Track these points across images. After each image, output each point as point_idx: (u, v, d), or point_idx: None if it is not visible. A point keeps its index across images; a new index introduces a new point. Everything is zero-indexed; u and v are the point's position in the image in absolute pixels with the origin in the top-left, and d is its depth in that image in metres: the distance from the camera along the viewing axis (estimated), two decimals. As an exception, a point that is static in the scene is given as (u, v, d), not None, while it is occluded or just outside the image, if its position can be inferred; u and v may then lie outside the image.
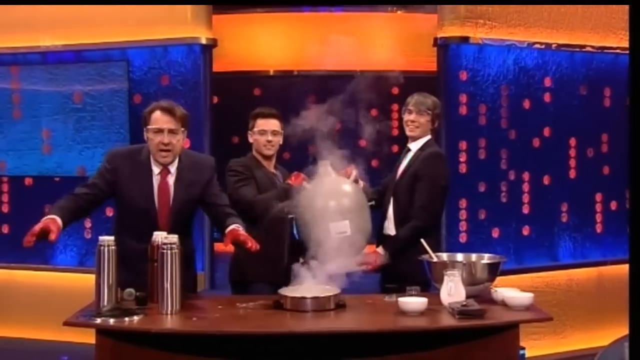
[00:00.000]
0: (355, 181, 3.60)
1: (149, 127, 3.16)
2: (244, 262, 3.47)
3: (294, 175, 3.54)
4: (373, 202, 3.57)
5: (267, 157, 3.61)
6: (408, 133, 3.64)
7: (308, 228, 3.40)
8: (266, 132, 3.57)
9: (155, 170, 3.19)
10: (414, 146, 3.61)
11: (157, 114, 3.15)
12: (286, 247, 3.54)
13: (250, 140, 3.64)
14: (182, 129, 3.18)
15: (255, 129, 3.60)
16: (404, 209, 3.50)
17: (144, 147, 3.23)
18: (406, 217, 3.49)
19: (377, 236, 3.65)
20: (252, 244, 2.99)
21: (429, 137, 3.64)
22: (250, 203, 3.46)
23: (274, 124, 3.59)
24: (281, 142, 3.65)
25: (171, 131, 3.13)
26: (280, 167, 3.71)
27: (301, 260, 3.52)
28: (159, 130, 3.13)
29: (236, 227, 3.10)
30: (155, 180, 3.18)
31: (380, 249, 3.48)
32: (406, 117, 3.66)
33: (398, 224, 3.51)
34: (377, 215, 3.66)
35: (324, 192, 3.44)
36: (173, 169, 3.21)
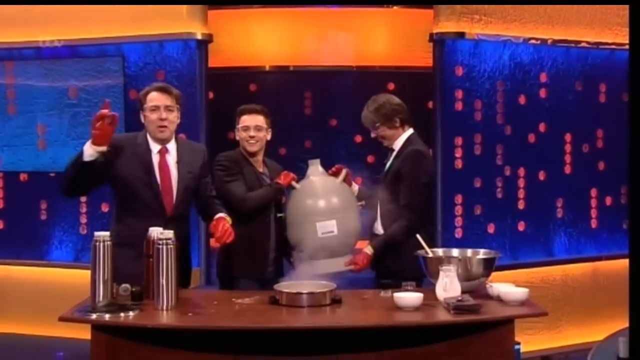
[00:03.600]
0: (349, 183, 3.59)
1: (146, 105, 3.28)
2: (230, 258, 3.48)
3: (283, 174, 3.54)
4: (363, 202, 3.56)
5: (253, 154, 3.60)
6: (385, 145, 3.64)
7: (296, 227, 3.41)
8: (249, 127, 3.56)
9: (154, 149, 3.29)
10: (397, 145, 3.58)
11: (154, 94, 3.29)
12: (271, 245, 3.54)
13: (237, 137, 3.64)
14: (177, 106, 3.31)
15: (239, 125, 3.59)
16: (390, 208, 3.49)
17: (139, 133, 3.34)
18: (391, 216, 3.48)
19: (370, 235, 3.66)
20: (220, 237, 3.16)
21: (409, 132, 3.59)
22: (240, 199, 3.47)
23: (257, 120, 3.58)
24: (268, 138, 3.64)
25: (167, 108, 3.27)
26: (270, 162, 3.70)
27: (291, 259, 3.54)
28: (156, 108, 3.26)
29: (224, 216, 3.26)
30: (155, 158, 3.28)
31: (367, 249, 3.47)
32: None
33: (385, 223, 3.51)
34: (371, 214, 3.66)
35: (313, 191, 3.44)
36: (171, 148, 3.32)
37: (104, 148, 3.05)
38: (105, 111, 3.00)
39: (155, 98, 3.27)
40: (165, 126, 3.26)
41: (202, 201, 3.42)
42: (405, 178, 3.45)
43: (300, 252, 3.39)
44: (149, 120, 3.28)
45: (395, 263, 3.42)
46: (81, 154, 3.05)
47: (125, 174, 3.22)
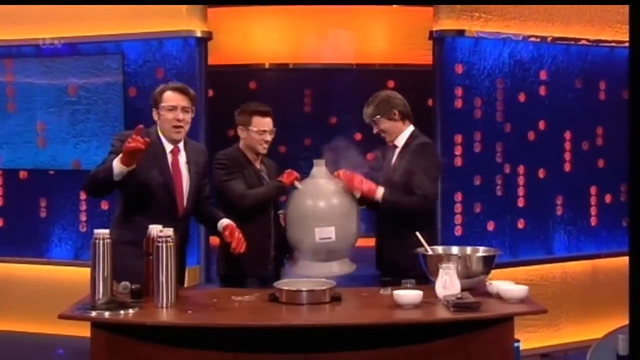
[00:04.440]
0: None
1: (163, 104, 3.24)
2: (231, 256, 3.46)
3: (286, 173, 3.52)
4: (364, 206, 3.56)
5: (258, 155, 3.60)
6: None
7: (295, 228, 3.41)
8: (265, 131, 3.55)
9: (167, 148, 3.28)
10: (400, 141, 3.57)
11: (170, 93, 3.26)
12: (272, 242, 3.54)
13: (242, 135, 3.59)
14: (193, 107, 3.30)
15: (254, 127, 3.55)
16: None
17: (150, 129, 3.28)
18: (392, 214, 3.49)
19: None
20: (236, 246, 3.21)
21: (410, 129, 3.59)
22: (240, 197, 3.46)
23: (270, 123, 3.58)
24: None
25: (184, 109, 3.25)
26: (266, 160, 3.70)
27: (287, 255, 3.54)
28: (173, 108, 3.23)
29: (232, 223, 3.29)
30: (169, 158, 3.27)
31: (379, 190, 3.43)
32: None
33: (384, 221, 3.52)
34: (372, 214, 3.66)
35: (315, 193, 3.43)
36: (181, 148, 3.31)
37: (132, 167, 3.00)
38: (140, 145, 2.90)
39: (172, 98, 3.24)
40: (181, 127, 3.24)
41: (199, 203, 3.41)
42: (417, 172, 3.43)
43: (296, 252, 3.39)
44: (164, 119, 3.25)
45: (405, 260, 3.40)
46: (110, 169, 2.99)
47: (140, 173, 3.15)
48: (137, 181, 3.17)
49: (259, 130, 3.54)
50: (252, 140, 3.57)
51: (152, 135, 3.25)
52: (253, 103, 3.66)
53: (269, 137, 3.56)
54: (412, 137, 3.55)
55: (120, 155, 2.97)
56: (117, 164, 2.98)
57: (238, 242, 3.22)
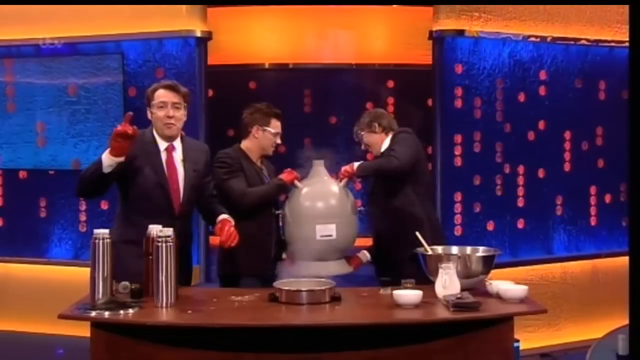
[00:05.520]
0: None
1: (154, 102, 3.27)
2: (232, 256, 3.47)
3: (287, 171, 3.53)
4: (362, 208, 3.58)
5: (262, 155, 3.63)
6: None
7: (294, 227, 3.41)
8: (279, 134, 3.62)
9: (161, 146, 3.28)
10: (383, 148, 3.64)
11: (161, 91, 3.28)
12: (274, 241, 3.54)
13: (257, 135, 3.60)
14: (185, 104, 3.30)
15: (271, 129, 3.59)
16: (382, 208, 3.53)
17: (145, 130, 3.30)
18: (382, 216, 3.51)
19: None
20: (225, 240, 3.20)
21: (390, 135, 3.65)
22: (241, 195, 3.46)
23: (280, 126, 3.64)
24: None
25: (175, 105, 3.26)
26: (265, 161, 3.71)
27: (283, 255, 3.54)
28: (163, 105, 3.25)
29: (228, 218, 3.28)
30: (163, 156, 3.27)
31: (357, 162, 3.54)
32: None
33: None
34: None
35: (313, 193, 3.44)
36: (177, 146, 3.31)
37: (122, 159, 3.03)
38: (127, 129, 2.96)
39: (162, 95, 3.26)
40: (172, 123, 3.25)
41: (203, 200, 3.42)
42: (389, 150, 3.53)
43: (293, 251, 3.40)
44: (156, 117, 3.27)
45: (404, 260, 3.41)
46: (100, 163, 3.02)
47: (134, 172, 3.18)
48: (131, 180, 3.19)
49: (275, 132, 3.59)
50: (266, 140, 3.60)
51: (147, 134, 3.28)
52: (266, 104, 3.67)
53: (279, 140, 3.62)
54: (391, 139, 3.62)
55: (109, 148, 3.01)
56: (106, 156, 3.02)
57: (228, 236, 3.21)
